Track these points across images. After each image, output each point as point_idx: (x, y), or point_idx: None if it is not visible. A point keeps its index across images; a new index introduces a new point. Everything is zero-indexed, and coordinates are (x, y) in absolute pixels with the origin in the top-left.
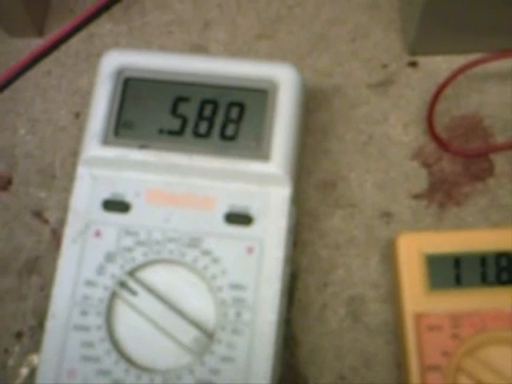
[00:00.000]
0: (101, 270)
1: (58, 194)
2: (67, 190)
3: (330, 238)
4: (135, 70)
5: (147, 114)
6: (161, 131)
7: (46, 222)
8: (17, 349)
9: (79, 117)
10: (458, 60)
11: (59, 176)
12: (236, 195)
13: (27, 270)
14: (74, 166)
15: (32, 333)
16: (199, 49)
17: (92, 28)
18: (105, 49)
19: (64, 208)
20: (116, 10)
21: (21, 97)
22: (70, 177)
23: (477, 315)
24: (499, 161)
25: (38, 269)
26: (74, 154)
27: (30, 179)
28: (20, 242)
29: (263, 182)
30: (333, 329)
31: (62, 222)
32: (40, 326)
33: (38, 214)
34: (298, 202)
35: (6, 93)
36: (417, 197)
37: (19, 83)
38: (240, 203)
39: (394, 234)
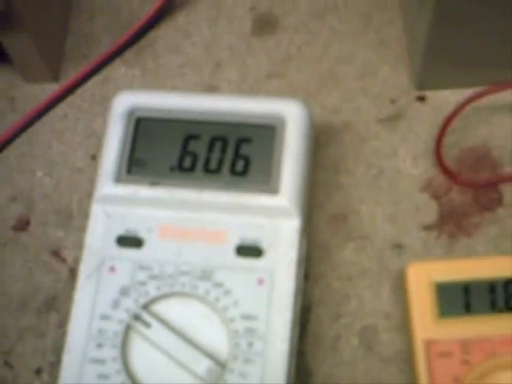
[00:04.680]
0: (115, 305)
1: (75, 233)
2: (84, 229)
3: (342, 270)
4: (146, 110)
5: (158, 152)
6: (172, 168)
7: (63, 260)
8: None
9: (95, 159)
10: (466, 93)
11: (76, 216)
12: (246, 228)
13: (46, 307)
14: (90, 206)
15: (51, 369)
16: (211, 89)
17: (106, 72)
18: (119, 92)
19: (81, 247)
20: (129, 53)
21: (38, 140)
22: (87, 217)
23: (486, 341)
24: (508, 191)
25: (57, 306)
26: (91, 194)
27: (47, 220)
28: (39, 280)
29: (273, 215)
30: (346, 359)
31: (79, 261)
32: (59, 362)
33: (56, 253)
34: (310, 235)
35: (24, 136)
36: (427, 228)
37: (36, 127)
38: (250, 236)
39: (405, 265)
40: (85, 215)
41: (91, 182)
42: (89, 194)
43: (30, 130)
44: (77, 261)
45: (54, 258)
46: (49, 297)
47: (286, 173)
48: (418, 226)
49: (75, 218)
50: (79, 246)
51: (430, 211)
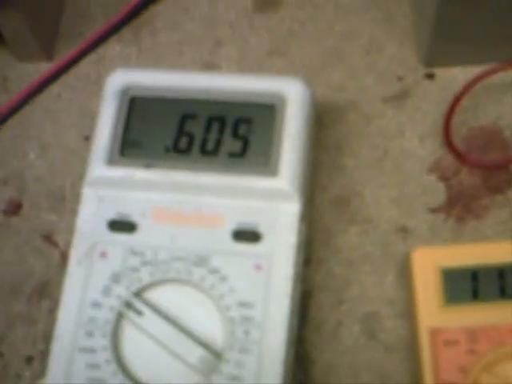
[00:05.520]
0: (107, 291)
1: (68, 217)
2: (76, 212)
3: (345, 254)
4: (140, 89)
5: (153, 132)
6: (167, 150)
7: (55, 245)
8: (27, 373)
9: (89, 140)
10: (476, 71)
11: (69, 199)
12: (244, 212)
13: (37, 293)
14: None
15: (42, 357)
16: (210, 67)
17: (101, 50)
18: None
19: (73, 231)
20: (125, 31)
21: (30, 121)
22: (80, 200)
23: (494, 330)
24: None
25: (48, 292)
26: (84, 177)
27: (39, 203)
28: (30, 265)
29: (271, 199)
30: (348, 347)
31: (71, 245)
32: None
33: (48, 238)
34: (312, 218)
35: (16, 117)
36: (434, 211)
37: (29, 107)
38: (248, 220)
39: (411, 250)
40: (78, 198)
41: (85, 164)
42: (82, 177)
43: (23, 111)
44: (69, 245)
45: (45, 242)
46: (40, 282)
47: (285, 154)
48: (425, 208)
49: (68, 201)
50: (72, 230)
51: (437, 193)
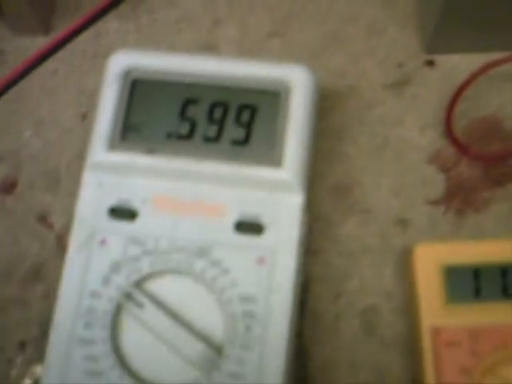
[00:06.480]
0: (106, 281)
1: (64, 198)
2: (73, 194)
3: (344, 245)
4: (143, 72)
5: (155, 116)
6: (169, 135)
7: (50, 227)
8: (20, 359)
9: (86, 118)
10: (478, 59)
11: (64, 179)
12: (247, 203)
13: (31, 277)
14: (79, 169)
15: (36, 342)
16: (209, 47)
17: (99, 26)
18: (112, 47)
19: (69, 213)
20: (124, 7)
21: (26, 97)
22: (76, 180)
23: (497, 330)
24: None
25: (43, 276)
26: (80, 156)
27: (34, 182)
28: (24, 247)
29: (275, 189)
30: (346, 341)
31: (67, 228)
32: (44, 335)
33: (43, 219)
34: (311, 207)
35: (11, 93)
36: (434, 203)
37: (24, 83)
38: (251, 211)
39: (410, 242)
40: (73, 179)
41: (81, 143)
42: (78, 156)
43: (18, 87)
44: (64, 228)
45: (40, 223)
46: (34, 265)
47: (290, 144)
48: (424, 200)
49: (63, 182)
50: (67, 211)
51: (437, 185)
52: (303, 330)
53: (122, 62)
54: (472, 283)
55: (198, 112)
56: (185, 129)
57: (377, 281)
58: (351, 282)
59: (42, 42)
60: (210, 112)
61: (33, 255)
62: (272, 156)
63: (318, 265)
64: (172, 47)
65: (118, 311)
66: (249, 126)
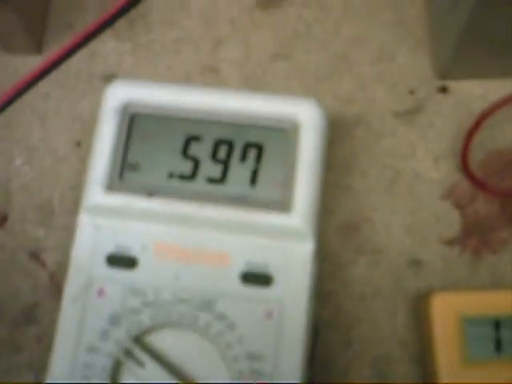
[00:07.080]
0: (104, 335)
1: (57, 232)
2: (66, 228)
3: (354, 288)
4: (143, 105)
5: (155, 155)
6: (170, 175)
7: (43, 264)
8: None
9: (80, 146)
10: (493, 85)
11: (58, 213)
12: (253, 251)
13: (23, 318)
14: (74, 201)
15: None
16: (210, 70)
17: (94, 45)
18: (107, 69)
19: (63, 249)
20: (120, 25)
21: (17, 122)
22: (70, 214)
23: None
24: None
25: (35, 317)
26: (75, 187)
27: (26, 216)
28: (15, 286)
29: (284, 237)
30: None
31: (60, 266)
32: (36, 382)
33: (35, 256)
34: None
35: (1, 118)
36: (449, 242)
37: (15, 107)
38: (257, 260)
39: (424, 285)
40: (68, 213)
41: (76, 173)
42: (73, 187)
43: (9, 111)
44: (58, 265)
45: (32, 260)
46: (27, 306)
47: (299, 187)
48: (439, 239)
49: (57, 216)
50: (60, 248)
51: (452, 222)
52: (312, 379)
53: (120, 94)
54: (493, 336)
55: (202, 150)
56: (187, 168)
57: (389, 327)
58: (362, 328)
59: (33, 61)
60: (214, 150)
61: (24, 295)
62: (280, 200)
63: (328, 309)
64: (170, 69)
65: (116, 368)
66: (255, 167)
